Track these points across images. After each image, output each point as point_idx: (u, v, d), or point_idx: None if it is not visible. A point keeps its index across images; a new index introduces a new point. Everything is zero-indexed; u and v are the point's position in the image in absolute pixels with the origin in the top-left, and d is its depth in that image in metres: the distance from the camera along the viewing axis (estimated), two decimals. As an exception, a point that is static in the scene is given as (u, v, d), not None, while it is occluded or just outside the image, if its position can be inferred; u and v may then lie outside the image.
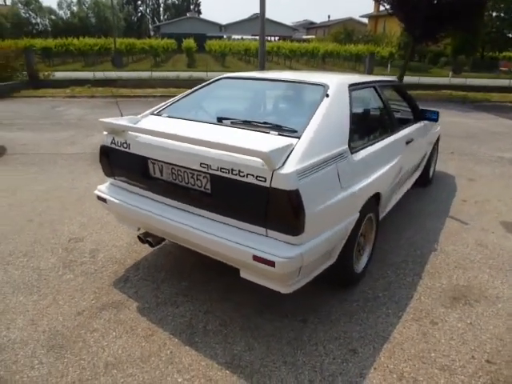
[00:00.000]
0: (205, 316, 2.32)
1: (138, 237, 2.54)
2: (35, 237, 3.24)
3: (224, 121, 2.34)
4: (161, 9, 61.77)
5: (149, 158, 2.27)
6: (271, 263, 1.82)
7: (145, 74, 15.49)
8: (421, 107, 3.90)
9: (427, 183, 4.56)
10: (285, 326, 2.25)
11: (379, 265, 2.91)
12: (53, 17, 39.63)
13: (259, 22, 12.61)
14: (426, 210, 3.95)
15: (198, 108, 2.74)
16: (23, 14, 37.83)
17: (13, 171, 4.89)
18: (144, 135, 2.26)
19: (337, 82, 2.51)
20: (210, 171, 1.98)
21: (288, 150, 1.87)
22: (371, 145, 2.56)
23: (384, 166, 2.65)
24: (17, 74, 12.68)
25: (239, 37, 48.11)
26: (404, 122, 3.57)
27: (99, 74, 14.98)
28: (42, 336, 2.15)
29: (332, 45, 28.18)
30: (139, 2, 58.33)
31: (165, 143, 2.15)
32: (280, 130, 2.12)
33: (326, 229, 2.03)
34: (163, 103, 2.80)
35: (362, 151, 2.40)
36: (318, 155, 1.97)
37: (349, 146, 2.25)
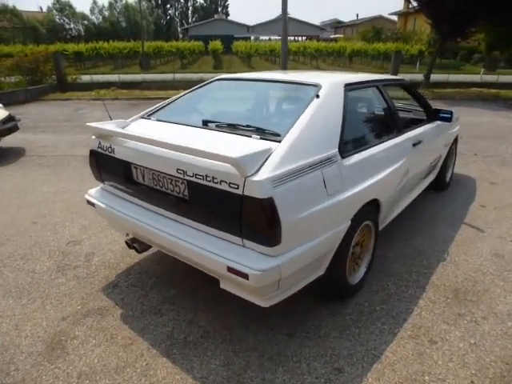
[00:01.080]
0: (188, 326, 2.24)
1: (126, 242, 2.50)
2: (36, 239, 3.27)
3: (209, 124, 2.25)
4: (189, 11, 62.71)
5: (131, 163, 2.22)
6: (245, 276, 1.71)
7: (169, 76, 15.71)
8: (434, 107, 3.66)
9: (444, 187, 4.31)
10: (269, 340, 2.14)
11: (380, 275, 2.74)
12: (85, 22, 41.07)
13: (282, 21, 12.52)
14: (439, 215, 3.71)
15: (188, 111, 2.67)
16: (58, 20, 39.44)
17: (27, 173, 5.02)
18: (127, 140, 2.21)
19: (331, 82, 2.37)
20: (186, 177, 1.90)
21: (264, 155, 1.76)
22: (368, 148, 2.40)
23: (383, 170, 2.48)
24: (46, 77, 13.14)
25: (267, 37, 48.07)
26: (414, 123, 3.37)
27: (125, 77, 15.32)
28: (23, 341, 2.14)
29: (359, 43, 27.59)
30: (168, 6, 59.43)
31: (145, 148, 2.09)
32: (263, 133, 2.01)
33: (309, 239, 1.90)
34: (155, 106, 2.76)
35: (355, 155, 2.24)
36: (299, 160, 1.84)
37: (339, 149, 2.11)
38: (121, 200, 2.43)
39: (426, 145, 3.23)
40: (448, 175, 4.38)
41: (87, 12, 42.82)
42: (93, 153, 2.49)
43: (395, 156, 2.68)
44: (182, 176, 1.92)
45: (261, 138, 1.95)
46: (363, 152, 2.33)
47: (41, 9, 41.83)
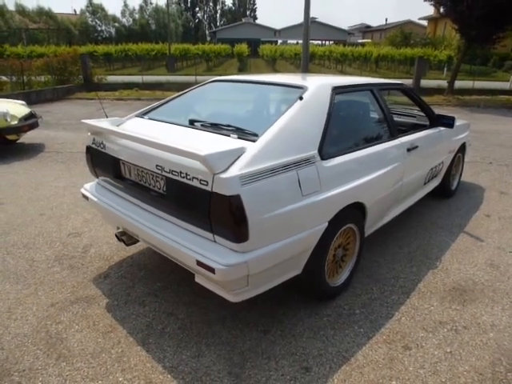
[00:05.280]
0: (167, 318, 2.31)
1: (115, 235, 2.60)
2: (40, 230, 3.44)
3: (195, 123, 2.33)
4: (217, 15, 63.63)
5: (120, 159, 2.32)
6: (211, 270, 1.77)
7: (192, 79, 16.00)
8: (438, 113, 3.61)
9: (448, 195, 4.22)
10: (243, 336, 2.18)
11: (366, 279, 2.73)
12: (116, 24, 42.39)
13: (306, 26, 12.50)
14: (439, 223, 3.65)
15: (180, 110, 2.75)
16: (90, 22, 40.91)
17: (43, 168, 5.26)
18: (116, 137, 2.31)
19: (317, 84, 2.40)
20: (164, 173, 1.98)
21: (236, 154, 1.81)
22: (353, 151, 2.41)
23: (369, 174, 2.47)
24: (73, 77, 13.65)
25: (294, 41, 48.10)
26: (414, 128, 3.35)
27: (148, 78, 15.72)
28: (12, 324, 2.26)
29: (386, 48, 27.19)
30: (197, 9, 60.52)
31: (131, 145, 2.18)
32: (242, 132, 2.07)
33: (281, 237, 1.93)
34: (152, 105, 2.86)
35: (338, 157, 2.26)
36: (272, 160, 1.88)
37: (319, 151, 2.13)
38: (112, 194, 2.53)
39: (424, 150, 3.19)
40: (454, 183, 4.30)
41: (118, 14, 44.16)
42: (88, 149, 2.61)
43: (385, 160, 2.67)
44: (160, 172, 2.00)
45: (238, 138, 2.01)
46: (347, 155, 2.34)
47: (75, 11, 43.51)
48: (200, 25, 60.72)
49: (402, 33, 32.96)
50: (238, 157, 1.81)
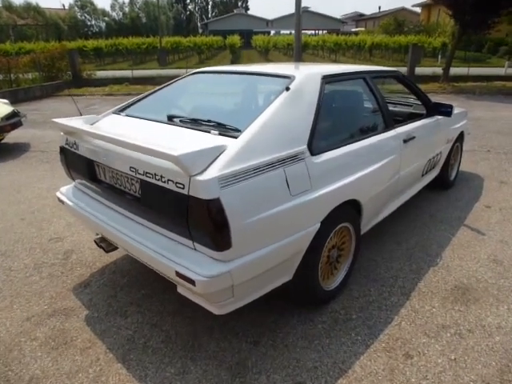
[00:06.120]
0: (150, 330, 2.15)
1: (94, 241, 2.42)
2: (20, 236, 3.26)
3: (174, 119, 2.14)
4: (209, 6, 62.74)
5: (94, 161, 2.14)
6: (191, 281, 1.60)
7: (183, 71, 15.70)
8: (434, 100, 3.43)
9: (447, 186, 4.06)
10: (232, 348, 2.02)
11: (363, 280, 2.57)
12: (106, 18, 41.69)
13: (295, 17, 12.20)
14: (438, 216, 3.49)
15: (159, 105, 2.56)
16: (79, 17, 40.18)
17: (27, 169, 5.06)
18: (88, 136, 2.13)
19: (305, 73, 2.22)
20: (138, 175, 1.81)
21: (215, 153, 1.64)
22: (346, 144, 2.23)
23: (364, 168, 2.31)
24: (61, 74, 13.35)
25: (287, 31, 47.49)
26: (410, 118, 3.17)
27: (138, 72, 15.42)
28: (-17, 341, 2.10)
29: (380, 36, 26.85)
30: (188, 1, 59.62)
31: (104, 145, 2.00)
32: (223, 128, 1.89)
33: (268, 242, 1.77)
34: (129, 100, 2.67)
35: (329, 152, 2.09)
36: (256, 158, 1.71)
37: (309, 146, 1.96)
38: (89, 198, 2.36)
39: (421, 141, 3.02)
40: (453, 173, 4.14)
41: (108, 8, 43.44)
42: (61, 150, 2.43)
43: (380, 153, 2.50)
44: (134, 174, 1.83)
45: (219, 134, 1.83)
46: (339, 149, 2.17)
47: (63, 6, 42.67)
48: (191, 17, 59.87)
49: (396, 20, 32.59)
50: (218, 156, 1.64)
